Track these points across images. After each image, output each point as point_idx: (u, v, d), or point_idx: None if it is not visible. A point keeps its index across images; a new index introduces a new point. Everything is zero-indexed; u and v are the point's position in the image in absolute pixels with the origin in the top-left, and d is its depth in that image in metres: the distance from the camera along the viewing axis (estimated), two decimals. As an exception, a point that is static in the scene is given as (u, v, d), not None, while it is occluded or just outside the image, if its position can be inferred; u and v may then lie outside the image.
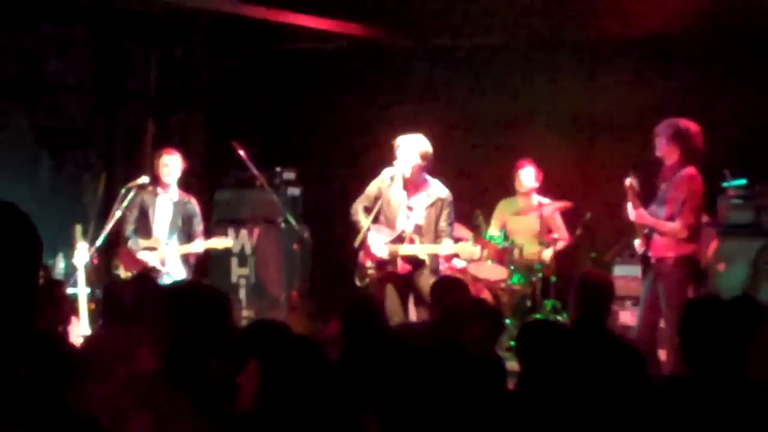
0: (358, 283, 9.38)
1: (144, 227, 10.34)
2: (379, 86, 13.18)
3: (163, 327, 3.67)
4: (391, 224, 9.31)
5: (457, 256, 9.83)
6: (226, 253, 11.34)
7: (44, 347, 2.88)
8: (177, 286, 4.43)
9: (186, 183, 10.60)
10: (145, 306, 6.11)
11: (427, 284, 8.90)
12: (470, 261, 10.59)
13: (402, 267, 9.25)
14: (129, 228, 10.31)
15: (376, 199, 9.32)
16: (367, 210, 9.37)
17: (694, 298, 8.08)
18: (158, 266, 10.13)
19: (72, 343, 6.89)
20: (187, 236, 10.36)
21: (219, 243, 10.34)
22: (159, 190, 10.36)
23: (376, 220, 9.34)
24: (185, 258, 10.39)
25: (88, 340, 7.33)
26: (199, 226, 10.45)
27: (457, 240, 9.61)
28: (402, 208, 9.28)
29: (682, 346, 4.40)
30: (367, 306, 6.28)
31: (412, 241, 9.24)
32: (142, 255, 10.19)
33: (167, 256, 10.23)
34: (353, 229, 9.42)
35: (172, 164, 10.34)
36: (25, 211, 2.81)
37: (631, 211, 8.71)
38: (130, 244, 10.28)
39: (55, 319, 6.61)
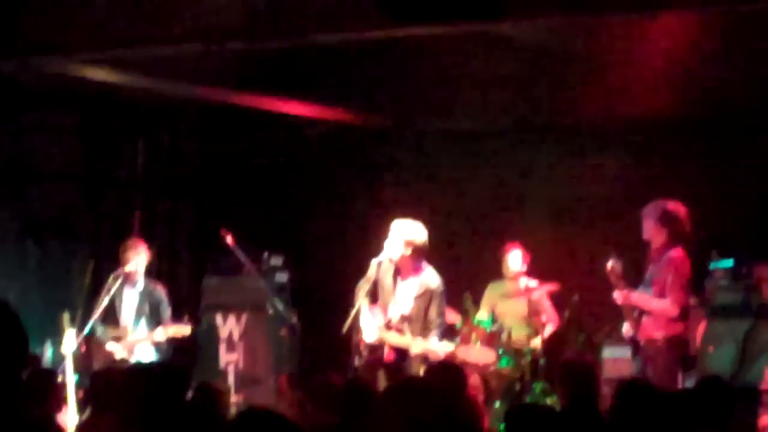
0: (356, 362, 9.13)
1: (112, 316, 10.60)
2: (366, 170, 13.23)
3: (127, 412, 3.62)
4: (385, 308, 9.15)
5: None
6: (214, 339, 11.50)
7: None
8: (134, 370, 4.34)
9: (173, 269, 10.63)
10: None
11: (416, 372, 8.81)
12: (459, 345, 10.53)
13: (387, 355, 9.08)
14: (97, 318, 10.45)
15: (374, 280, 9.14)
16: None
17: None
18: (126, 356, 10.39)
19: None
20: (155, 323, 10.59)
21: (178, 330, 10.52)
22: (126, 279, 10.61)
23: (375, 301, 9.17)
24: (155, 344, 10.58)
25: (78, 429, 7.29)
26: (165, 312, 10.69)
27: (446, 326, 9.53)
28: (392, 295, 9.14)
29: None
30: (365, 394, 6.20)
31: (399, 330, 9.07)
32: (109, 346, 10.47)
33: (135, 345, 10.50)
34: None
35: (138, 255, 10.64)
36: (9, 303, 2.81)
37: (618, 295, 8.70)
38: (98, 334, 10.54)
39: (50, 408, 6.59)
